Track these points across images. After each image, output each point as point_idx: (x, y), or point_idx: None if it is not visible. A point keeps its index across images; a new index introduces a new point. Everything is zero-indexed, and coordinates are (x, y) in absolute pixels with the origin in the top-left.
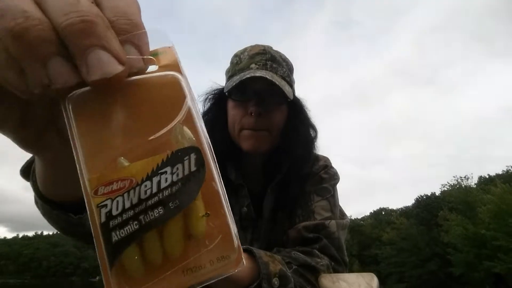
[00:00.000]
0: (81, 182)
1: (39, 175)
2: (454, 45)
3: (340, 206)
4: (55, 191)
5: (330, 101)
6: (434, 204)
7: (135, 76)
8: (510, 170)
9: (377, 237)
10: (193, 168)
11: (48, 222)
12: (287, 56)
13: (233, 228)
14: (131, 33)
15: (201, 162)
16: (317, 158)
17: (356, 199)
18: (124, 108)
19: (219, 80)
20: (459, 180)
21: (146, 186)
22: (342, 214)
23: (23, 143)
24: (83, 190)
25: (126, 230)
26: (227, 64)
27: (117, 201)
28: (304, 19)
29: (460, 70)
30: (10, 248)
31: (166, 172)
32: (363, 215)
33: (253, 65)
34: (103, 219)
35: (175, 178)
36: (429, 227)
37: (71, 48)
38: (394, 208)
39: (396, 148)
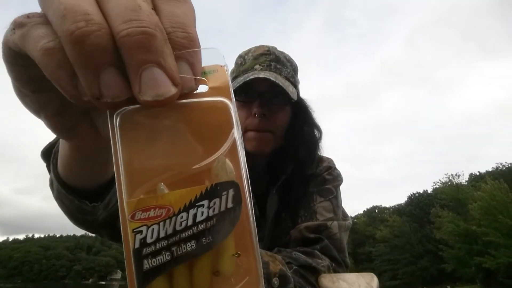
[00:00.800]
0: (119, 202)
1: (62, 159)
2: (446, 44)
3: (343, 207)
4: (75, 176)
5: (323, 100)
6: (426, 202)
7: (185, 96)
8: (499, 167)
9: (371, 235)
10: (229, 205)
11: (59, 206)
12: None
13: (260, 270)
14: (186, 48)
15: (238, 199)
16: (321, 159)
17: (349, 197)
18: (171, 131)
19: None
20: (450, 178)
21: (182, 217)
22: (345, 216)
23: (57, 130)
24: (119, 211)
25: (158, 260)
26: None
27: (153, 229)
28: (297, 19)
29: (452, 69)
30: (0, 252)
31: (203, 205)
32: (357, 213)
33: (257, 66)
34: (137, 245)
35: (211, 213)
36: (421, 224)
37: (126, 60)
38: (387, 206)
39: (389, 146)
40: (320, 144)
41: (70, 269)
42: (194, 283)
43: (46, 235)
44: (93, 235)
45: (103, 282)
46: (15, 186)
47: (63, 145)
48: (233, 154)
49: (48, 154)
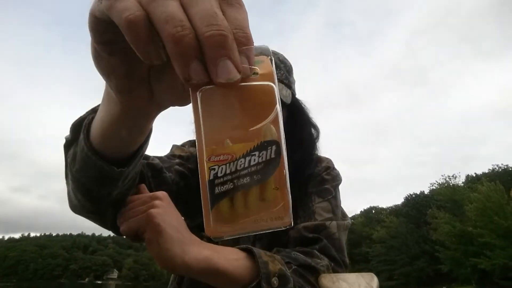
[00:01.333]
0: (198, 150)
1: (101, 126)
2: (443, 46)
3: (342, 207)
4: (109, 143)
5: (321, 100)
6: (423, 203)
7: (243, 80)
8: (496, 168)
9: (368, 236)
10: (272, 156)
11: (75, 182)
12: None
13: (290, 202)
14: (245, 45)
15: (278, 152)
16: (320, 159)
17: (347, 198)
18: (234, 104)
19: None
20: (447, 179)
21: (241, 161)
22: (344, 216)
23: (121, 91)
24: (198, 156)
25: (224, 188)
26: None
27: (222, 168)
28: (296, 19)
29: (449, 71)
30: None
31: (255, 154)
32: (354, 214)
33: None
34: (211, 177)
35: (260, 160)
36: (418, 225)
37: (206, 53)
38: (384, 207)
39: (386, 147)
40: (317, 143)
41: (66, 268)
42: (247, 205)
43: (42, 234)
44: (89, 234)
45: (99, 282)
46: (11, 184)
47: (107, 113)
48: (275, 122)
49: (78, 127)
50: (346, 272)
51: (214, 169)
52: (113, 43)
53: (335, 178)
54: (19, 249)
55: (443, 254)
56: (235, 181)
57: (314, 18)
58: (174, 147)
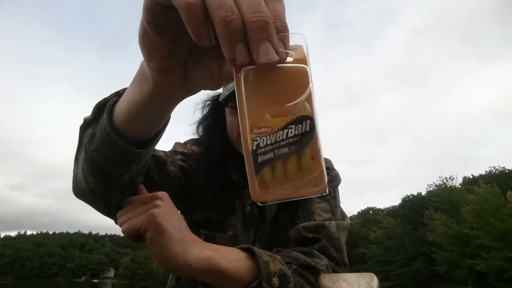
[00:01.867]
0: (240, 123)
1: (129, 105)
2: (443, 47)
3: (341, 208)
4: (133, 123)
5: (321, 100)
6: (420, 204)
7: (281, 63)
8: (493, 170)
9: (365, 236)
10: (307, 129)
11: (89, 162)
12: None
13: (324, 171)
14: (282, 33)
15: (312, 126)
16: None
17: (345, 198)
18: (273, 83)
19: None
20: (444, 181)
21: (280, 134)
22: (343, 216)
23: (160, 70)
24: (241, 128)
25: (266, 157)
26: None
27: (263, 139)
28: (296, 19)
29: (448, 72)
30: None
31: (292, 127)
32: (351, 214)
33: None
34: (254, 147)
35: (296, 132)
36: (415, 227)
37: (251, 36)
38: (381, 208)
39: (385, 148)
40: None
41: (62, 267)
42: (286, 172)
43: (39, 232)
44: (86, 232)
45: (96, 280)
46: (9, 182)
47: (138, 93)
48: (309, 99)
49: (102, 107)
50: (346, 271)
51: (256, 140)
52: (163, 26)
53: (334, 179)
54: (15, 247)
55: (440, 255)
56: (275, 151)
57: (314, 18)
58: (177, 144)
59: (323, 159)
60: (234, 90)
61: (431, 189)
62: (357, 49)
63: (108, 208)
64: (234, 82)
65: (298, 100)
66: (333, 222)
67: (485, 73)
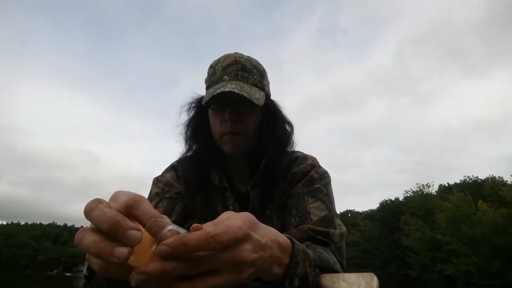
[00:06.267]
0: None
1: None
2: (431, 59)
3: (337, 217)
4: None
5: (309, 103)
6: (397, 209)
7: None
8: (467, 180)
9: None
10: None
11: None
12: (266, 58)
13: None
14: None
15: None
16: (305, 157)
17: None
18: None
19: (202, 80)
20: (421, 187)
21: None
22: (339, 224)
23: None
24: None
25: None
26: (211, 61)
27: None
28: (290, 23)
29: (435, 83)
30: None
31: None
32: None
33: (225, 77)
34: None
35: None
36: (391, 231)
37: None
38: (360, 211)
39: (367, 153)
40: (292, 138)
41: (33, 259)
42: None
43: (10, 222)
44: (61, 224)
45: (68, 274)
46: None
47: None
48: None
49: (91, 274)
50: None
51: None
52: None
53: (323, 176)
54: None
55: (413, 259)
56: None
57: (308, 22)
58: (152, 184)
59: None
60: (216, 94)
61: (408, 195)
62: (348, 55)
63: None
64: None
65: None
66: (337, 231)
67: (470, 87)
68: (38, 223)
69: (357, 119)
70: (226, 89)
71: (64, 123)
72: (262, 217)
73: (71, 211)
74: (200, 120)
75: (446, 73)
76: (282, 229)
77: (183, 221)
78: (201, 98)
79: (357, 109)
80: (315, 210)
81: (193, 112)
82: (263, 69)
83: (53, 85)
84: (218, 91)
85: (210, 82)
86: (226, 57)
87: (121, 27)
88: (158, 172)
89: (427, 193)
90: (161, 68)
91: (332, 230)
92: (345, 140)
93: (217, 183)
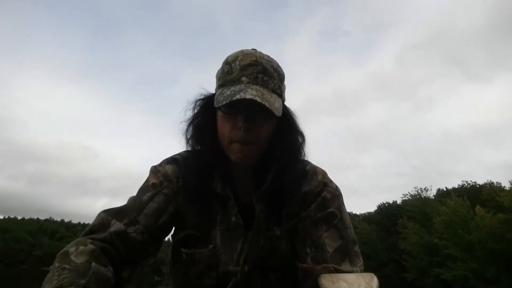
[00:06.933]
0: None
1: None
2: (432, 64)
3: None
4: None
5: (309, 105)
6: (395, 212)
7: None
8: (465, 184)
9: None
10: None
11: None
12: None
13: None
14: None
15: None
16: (315, 172)
17: None
18: None
19: (209, 78)
20: (419, 191)
21: None
22: (354, 241)
23: None
24: None
25: None
26: (213, 61)
27: None
28: (293, 25)
29: (435, 88)
30: None
31: None
32: None
33: (244, 78)
34: None
35: None
36: (388, 234)
37: None
38: (358, 213)
39: (366, 156)
40: (303, 149)
41: (29, 254)
42: None
43: (6, 217)
44: (58, 219)
45: None
46: None
47: None
48: None
49: None
50: None
51: None
52: None
53: (335, 194)
54: None
55: (409, 263)
56: None
57: (311, 24)
58: (150, 173)
59: None
60: (233, 100)
61: (406, 198)
62: (350, 58)
63: None
64: None
65: None
66: (358, 270)
67: (470, 93)
68: (35, 218)
69: (357, 122)
70: (247, 96)
71: (63, 117)
72: (270, 238)
73: (68, 206)
74: (208, 120)
75: (447, 78)
76: (290, 255)
77: (173, 224)
78: (210, 95)
79: (357, 112)
80: (329, 240)
81: (200, 110)
82: (283, 73)
83: (53, 78)
84: (238, 96)
85: (225, 80)
86: (245, 54)
87: (123, 23)
88: None
89: (425, 197)
90: (161, 65)
91: (355, 269)
92: (344, 143)
93: (220, 191)
